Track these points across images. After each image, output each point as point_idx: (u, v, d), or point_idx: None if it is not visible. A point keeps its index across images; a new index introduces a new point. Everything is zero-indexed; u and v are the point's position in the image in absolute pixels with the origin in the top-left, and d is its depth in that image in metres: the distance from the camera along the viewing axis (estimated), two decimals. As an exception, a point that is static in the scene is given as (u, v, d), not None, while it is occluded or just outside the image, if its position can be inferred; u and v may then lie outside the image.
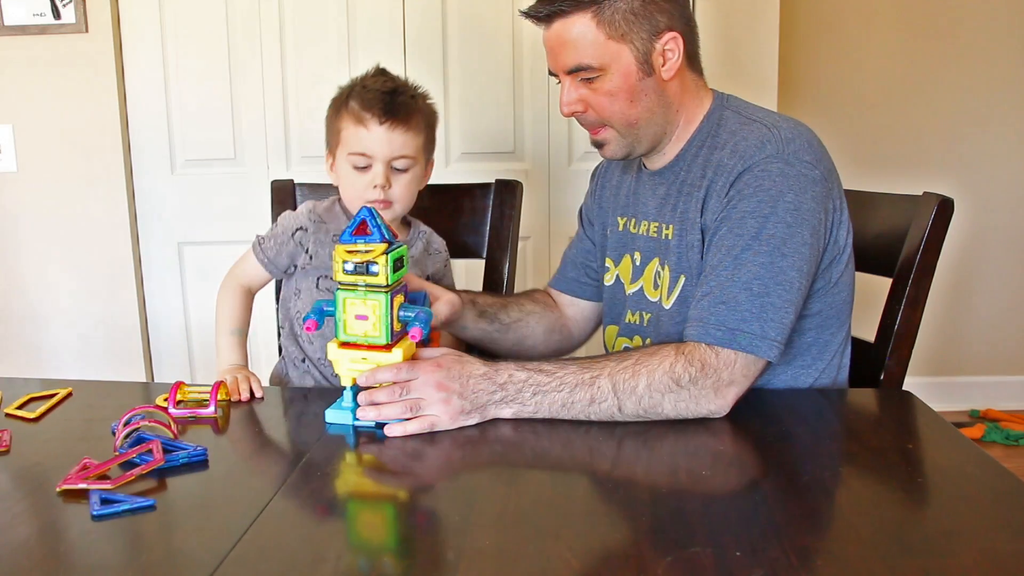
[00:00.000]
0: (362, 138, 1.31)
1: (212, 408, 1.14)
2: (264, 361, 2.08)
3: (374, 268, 1.06)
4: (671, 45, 1.20)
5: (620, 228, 1.37)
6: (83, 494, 0.89)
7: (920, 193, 1.33)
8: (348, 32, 2.13)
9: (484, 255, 1.68)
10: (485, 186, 1.69)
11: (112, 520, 0.85)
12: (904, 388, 1.28)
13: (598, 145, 1.28)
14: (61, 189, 2.15)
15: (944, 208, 1.28)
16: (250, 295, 1.40)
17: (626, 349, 1.28)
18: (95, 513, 0.85)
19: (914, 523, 0.87)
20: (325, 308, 1.12)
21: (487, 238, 1.68)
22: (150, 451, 0.97)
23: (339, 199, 1.41)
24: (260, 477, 1.00)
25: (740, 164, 1.16)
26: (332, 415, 1.10)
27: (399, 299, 1.10)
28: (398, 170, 1.33)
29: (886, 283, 1.34)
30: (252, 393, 1.21)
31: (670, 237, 1.26)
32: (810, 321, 1.23)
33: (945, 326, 2.90)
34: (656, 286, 1.29)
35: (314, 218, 1.38)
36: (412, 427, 1.06)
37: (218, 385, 1.18)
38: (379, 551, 0.82)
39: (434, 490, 0.97)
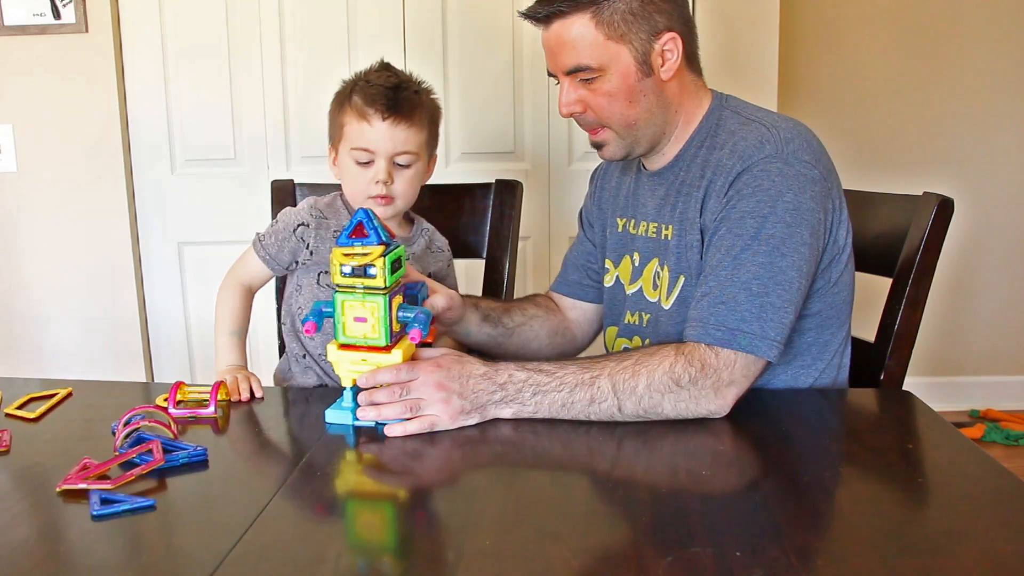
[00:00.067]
0: (365, 133, 1.31)
1: (212, 408, 1.14)
2: (264, 358, 2.08)
3: (372, 271, 1.06)
4: (670, 46, 1.20)
5: (619, 229, 1.37)
6: (83, 494, 0.89)
7: (920, 193, 1.33)
8: (348, 32, 2.13)
9: (484, 255, 1.68)
10: (485, 186, 1.69)
11: (112, 520, 0.85)
12: (904, 388, 1.28)
13: (597, 146, 1.28)
14: (61, 189, 2.15)
15: (944, 208, 1.28)
16: (250, 294, 1.39)
17: (626, 350, 1.28)
18: (95, 513, 0.85)
19: (914, 523, 0.87)
20: (324, 309, 1.12)
21: (487, 238, 1.68)
22: (150, 451, 0.97)
23: (341, 194, 1.41)
24: (260, 477, 1.00)
25: (739, 164, 1.16)
26: (332, 415, 1.10)
27: (398, 300, 1.10)
28: (400, 166, 1.33)
29: (886, 283, 1.34)
30: (252, 393, 1.21)
31: (669, 237, 1.26)
32: (810, 321, 1.23)
33: (945, 326, 2.90)
34: (655, 286, 1.29)
35: (315, 213, 1.38)
36: (412, 427, 1.06)
37: (218, 385, 1.18)
38: (379, 551, 0.82)
39: (434, 490, 0.97)
